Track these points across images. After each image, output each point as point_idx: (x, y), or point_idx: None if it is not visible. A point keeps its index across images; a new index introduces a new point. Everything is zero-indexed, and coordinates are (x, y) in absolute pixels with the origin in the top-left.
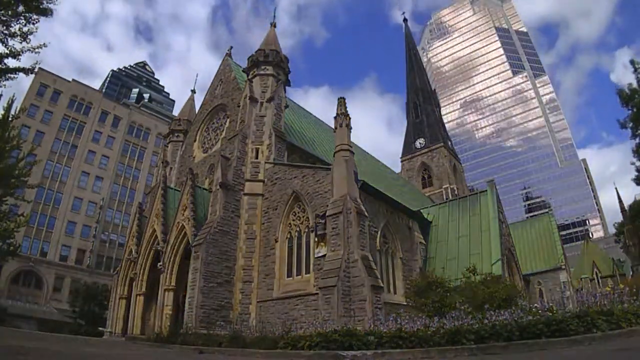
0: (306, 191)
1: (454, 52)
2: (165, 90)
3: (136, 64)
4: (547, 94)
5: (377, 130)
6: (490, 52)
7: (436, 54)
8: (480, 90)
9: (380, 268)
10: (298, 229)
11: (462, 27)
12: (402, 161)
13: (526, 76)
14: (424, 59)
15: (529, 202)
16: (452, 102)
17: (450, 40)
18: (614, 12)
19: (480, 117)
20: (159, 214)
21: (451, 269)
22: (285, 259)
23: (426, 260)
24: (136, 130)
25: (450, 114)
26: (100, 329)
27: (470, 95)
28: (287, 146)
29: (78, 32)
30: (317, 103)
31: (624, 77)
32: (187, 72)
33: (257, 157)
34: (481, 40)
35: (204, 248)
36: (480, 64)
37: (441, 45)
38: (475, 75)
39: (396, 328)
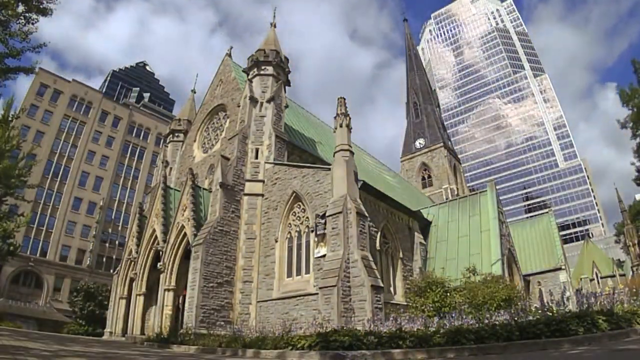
0: (306, 191)
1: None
2: (166, 90)
3: (136, 64)
4: (547, 92)
5: (332, 35)
6: (490, 51)
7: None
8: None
9: (380, 268)
10: (298, 229)
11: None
12: (402, 161)
13: (526, 75)
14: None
15: (528, 202)
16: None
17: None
18: None
19: (481, 117)
20: (159, 214)
21: (451, 269)
22: (285, 259)
23: (426, 260)
24: (136, 130)
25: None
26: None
27: (470, 96)
28: (287, 146)
29: None
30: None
31: None
32: None
33: (257, 157)
34: (481, 39)
35: (204, 248)
36: (480, 63)
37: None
38: (475, 75)
39: (396, 328)
